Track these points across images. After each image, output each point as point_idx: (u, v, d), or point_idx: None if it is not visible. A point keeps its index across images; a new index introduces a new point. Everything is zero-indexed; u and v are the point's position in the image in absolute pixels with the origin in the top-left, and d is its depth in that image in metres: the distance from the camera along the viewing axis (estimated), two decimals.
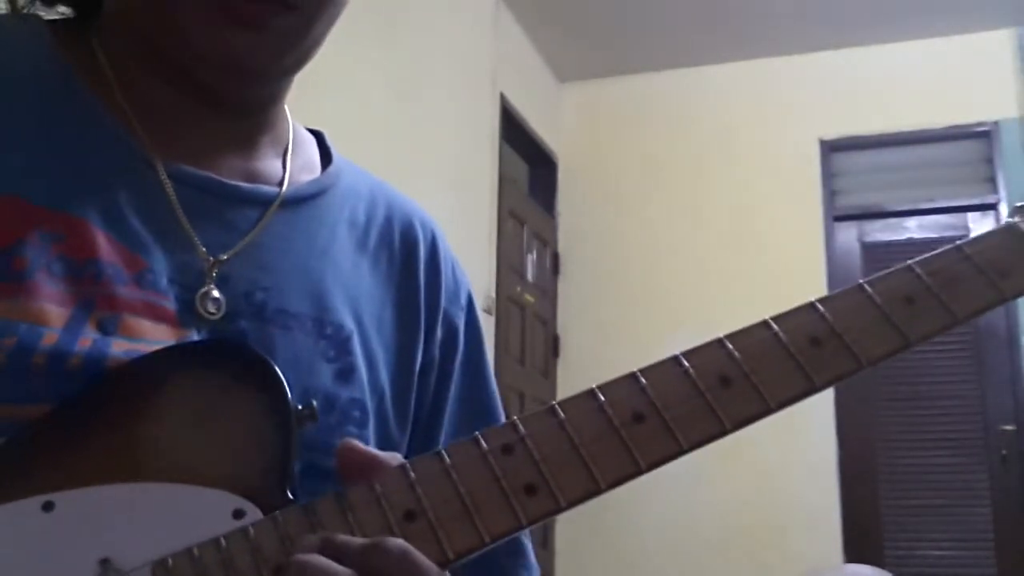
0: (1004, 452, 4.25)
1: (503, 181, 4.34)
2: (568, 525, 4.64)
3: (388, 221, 0.71)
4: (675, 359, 0.50)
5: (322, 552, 0.43)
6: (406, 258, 0.70)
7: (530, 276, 4.67)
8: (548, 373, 4.77)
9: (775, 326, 0.51)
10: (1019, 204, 0.57)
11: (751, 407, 0.49)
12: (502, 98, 4.38)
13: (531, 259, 4.70)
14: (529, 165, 5.11)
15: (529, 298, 4.60)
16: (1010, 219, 0.56)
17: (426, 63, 3.64)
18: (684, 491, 4.44)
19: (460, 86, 4.02)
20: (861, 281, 0.53)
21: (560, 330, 4.94)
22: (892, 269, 0.54)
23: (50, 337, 0.51)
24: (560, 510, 0.46)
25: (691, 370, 0.49)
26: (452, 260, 0.75)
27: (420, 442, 0.68)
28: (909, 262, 0.54)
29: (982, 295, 0.53)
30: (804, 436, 4.38)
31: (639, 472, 0.47)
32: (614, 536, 4.55)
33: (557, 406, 0.49)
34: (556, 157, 5.14)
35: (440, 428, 0.70)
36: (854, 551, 4.30)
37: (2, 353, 0.49)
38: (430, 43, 3.70)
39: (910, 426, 4.41)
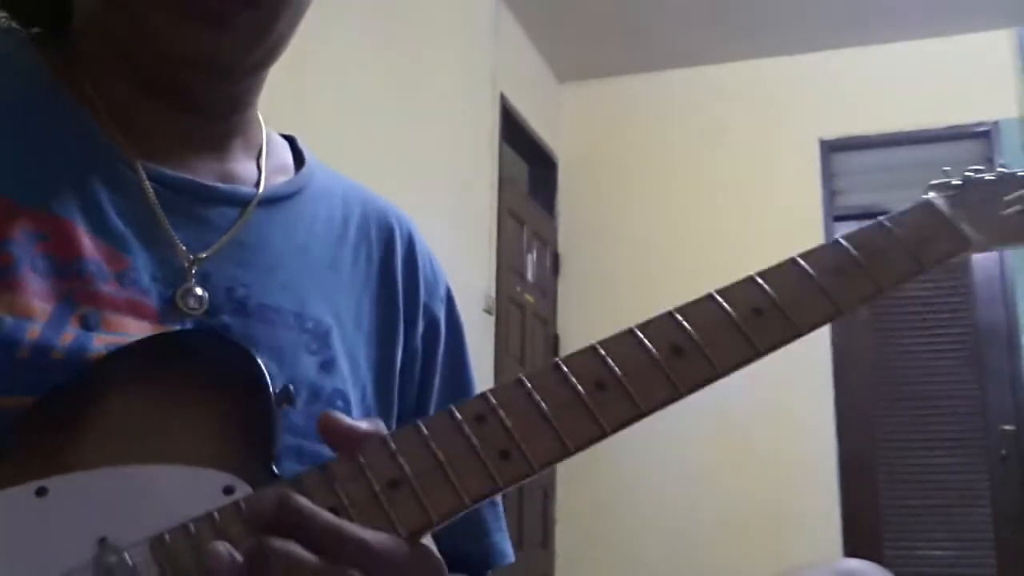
0: (1004, 452, 4.25)
1: (503, 181, 4.34)
2: (568, 525, 4.64)
3: (364, 219, 0.72)
4: (630, 331, 0.54)
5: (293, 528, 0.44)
6: (384, 254, 0.72)
7: (530, 276, 4.67)
8: None
9: (720, 298, 0.55)
10: (933, 182, 0.62)
11: (702, 372, 0.52)
12: (502, 98, 4.38)
13: (531, 259, 4.70)
14: (529, 165, 5.12)
15: (529, 298, 4.60)
16: (925, 196, 0.61)
17: (426, 63, 3.64)
18: (683, 491, 4.45)
19: (460, 86, 4.02)
20: (794, 255, 0.57)
21: (560, 330, 4.94)
22: (822, 244, 0.58)
23: (33, 331, 0.52)
24: (533, 472, 0.49)
25: (646, 340, 0.53)
26: (429, 255, 0.77)
27: None
28: (836, 236, 0.58)
29: (903, 265, 0.58)
30: (804, 436, 4.39)
31: (604, 435, 0.50)
32: (614, 536, 4.55)
33: (523, 377, 0.52)
34: (556, 157, 5.15)
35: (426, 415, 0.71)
36: (854, 551, 4.30)
37: None
38: (430, 43, 3.70)
39: (910, 426, 4.41)
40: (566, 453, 0.49)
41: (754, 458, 4.35)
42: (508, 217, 4.39)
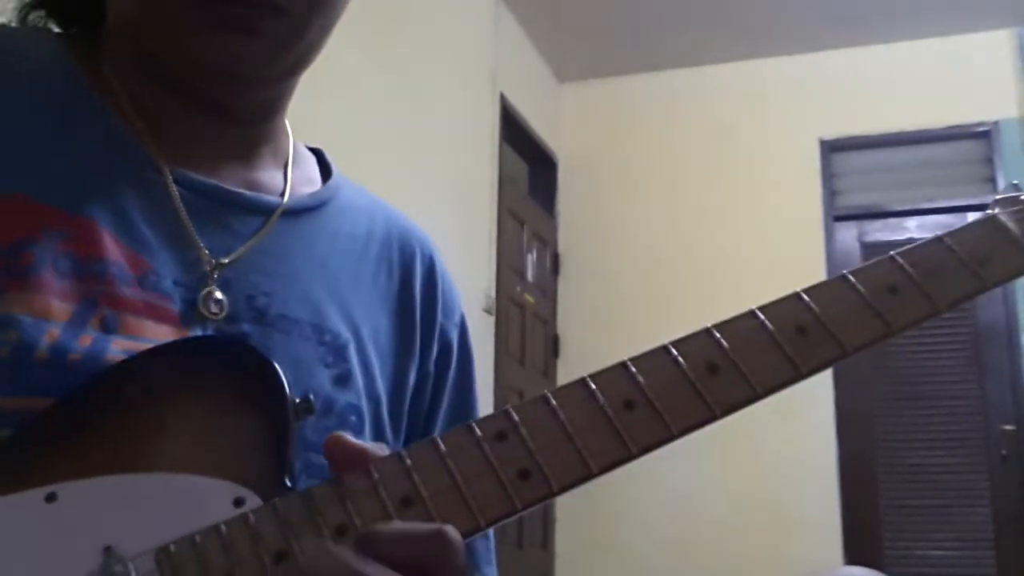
0: (1004, 452, 4.25)
1: (503, 181, 4.34)
2: (568, 526, 4.64)
3: (387, 236, 0.72)
4: (664, 348, 0.51)
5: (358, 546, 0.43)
6: (404, 273, 0.71)
7: (530, 276, 4.67)
8: (548, 373, 4.77)
9: (761, 315, 0.52)
10: (998, 196, 0.59)
11: (738, 393, 0.50)
12: (502, 98, 4.39)
13: (531, 259, 4.70)
14: (529, 165, 5.12)
15: (529, 298, 4.60)
16: (990, 211, 0.58)
17: (426, 63, 3.64)
18: (683, 491, 4.45)
19: (460, 86, 4.02)
20: (845, 272, 0.54)
21: (560, 330, 4.94)
22: (875, 260, 0.55)
23: (52, 333, 0.52)
24: (553, 494, 0.47)
25: (679, 358, 0.50)
26: (447, 279, 0.76)
27: None
28: (892, 253, 0.55)
29: (963, 284, 0.54)
30: (804, 436, 4.39)
31: (631, 457, 0.48)
32: (613, 536, 4.55)
33: (549, 394, 0.50)
34: (556, 157, 5.15)
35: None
36: (854, 551, 4.30)
37: (6, 347, 0.50)
38: (430, 43, 3.70)
39: (910, 426, 4.41)
40: (589, 475, 0.47)
41: (754, 458, 4.35)
42: (508, 217, 4.39)
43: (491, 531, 0.57)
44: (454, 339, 0.74)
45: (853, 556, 4.28)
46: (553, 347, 4.88)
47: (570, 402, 0.49)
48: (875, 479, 4.41)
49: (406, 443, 0.68)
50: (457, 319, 0.75)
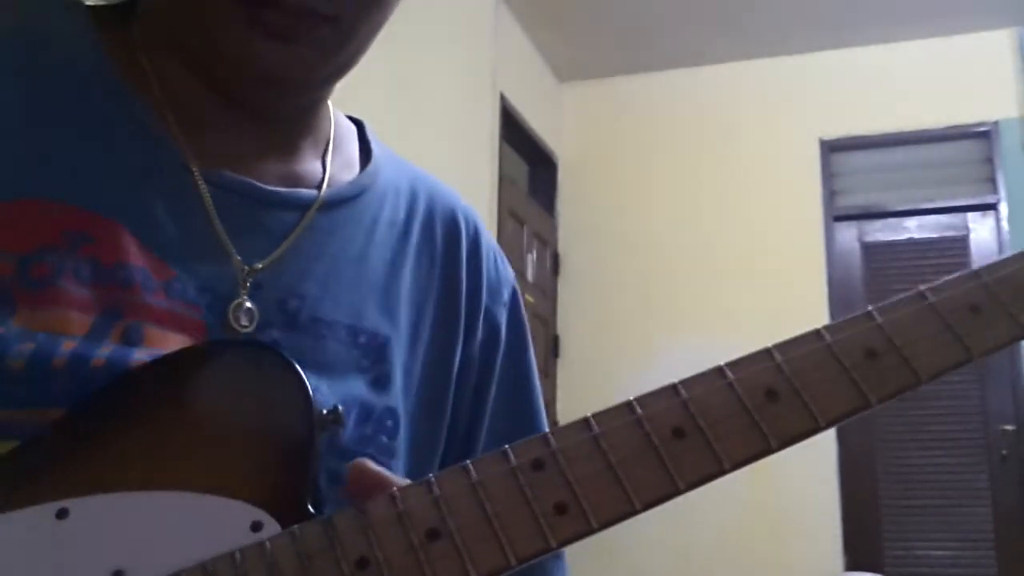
0: (1004, 452, 4.25)
1: (503, 181, 4.34)
2: None
3: (430, 214, 0.69)
4: (719, 370, 0.47)
5: None
6: (447, 253, 0.68)
7: (530, 276, 4.67)
8: (548, 373, 4.77)
9: (828, 336, 0.47)
10: None
11: (799, 424, 0.46)
12: (502, 98, 4.38)
13: (531, 259, 4.70)
14: (529, 165, 5.11)
15: (529, 298, 4.59)
16: None
17: (426, 63, 3.64)
18: None
19: (460, 86, 4.01)
20: (922, 287, 0.49)
21: (560, 330, 4.94)
22: (955, 276, 0.49)
23: (69, 345, 0.49)
24: (592, 531, 0.44)
25: (735, 383, 0.46)
26: (495, 252, 0.72)
27: (459, 449, 0.66)
28: (975, 268, 0.50)
29: None
30: None
31: (677, 492, 0.45)
32: (613, 535, 4.53)
33: (592, 419, 0.46)
34: (556, 157, 5.14)
35: (479, 434, 0.68)
36: (854, 551, 4.30)
37: (21, 359, 0.48)
38: (430, 43, 3.70)
39: (910, 426, 4.41)
40: (632, 511, 0.44)
41: None
42: (508, 217, 4.39)
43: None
44: (502, 320, 0.70)
45: (853, 556, 4.28)
46: (553, 347, 4.88)
47: (614, 428, 0.45)
48: (875, 479, 4.41)
49: (451, 438, 0.66)
50: (506, 297, 0.71)
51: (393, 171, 0.69)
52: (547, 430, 0.46)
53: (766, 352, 0.47)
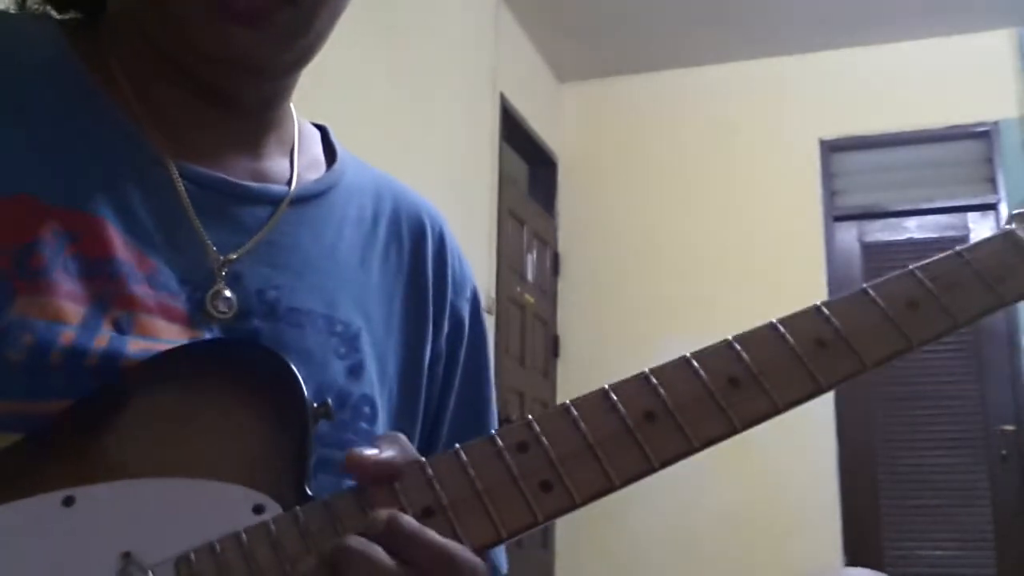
0: (1004, 452, 4.25)
1: (503, 181, 4.34)
2: (568, 526, 4.63)
3: (395, 214, 0.71)
4: (685, 359, 0.51)
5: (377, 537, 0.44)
6: (414, 251, 0.71)
7: (530, 276, 4.67)
8: (548, 373, 4.77)
9: (781, 328, 0.52)
10: (1016, 211, 0.58)
11: (760, 407, 0.50)
12: (502, 98, 4.38)
13: (531, 259, 4.70)
14: (529, 165, 5.12)
15: (529, 298, 4.60)
16: (1007, 225, 0.57)
17: (426, 63, 3.64)
18: (683, 490, 4.44)
19: (460, 86, 4.02)
20: (864, 285, 0.54)
21: (560, 330, 4.94)
22: (894, 274, 0.55)
23: (67, 335, 0.51)
24: (575, 506, 0.47)
25: (701, 371, 0.50)
26: (458, 253, 0.75)
27: (426, 434, 0.69)
28: (911, 267, 0.55)
29: (981, 299, 0.55)
30: (804, 436, 4.38)
31: (652, 470, 0.48)
32: (613, 535, 4.55)
33: (571, 405, 0.50)
34: (556, 157, 5.14)
35: (444, 421, 0.70)
36: (854, 551, 4.30)
37: (21, 351, 0.50)
38: (431, 43, 3.70)
39: (910, 426, 4.41)
40: (611, 487, 0.48)
41: (754, 458, 4.34)
42: (508, 217, 4.39)
43: None
44: (465, 315, 0.73)
45: (853, 556, 4.28)
46: (553, 347, 4.88)
47: (591, 413, 0.49)
48: (875, 479, 4.41)
49: (422, 424, 0.68)
50: (469, 294, 0.74)
51: (358, 172, 0.72)
52: (496, 422, 0.50)
53: (726, 343, 0.52)
